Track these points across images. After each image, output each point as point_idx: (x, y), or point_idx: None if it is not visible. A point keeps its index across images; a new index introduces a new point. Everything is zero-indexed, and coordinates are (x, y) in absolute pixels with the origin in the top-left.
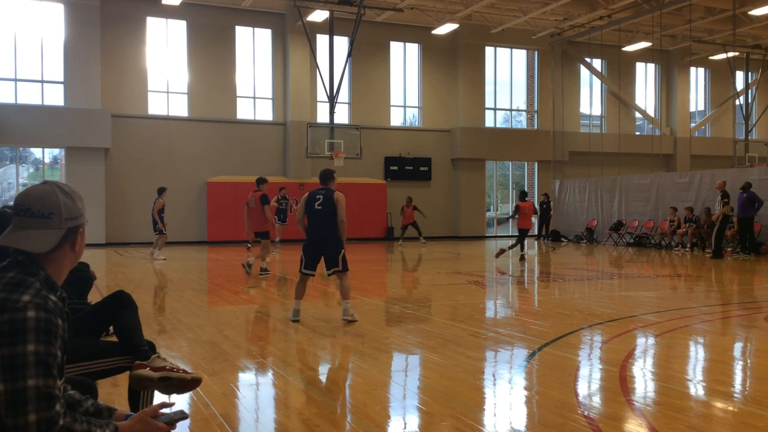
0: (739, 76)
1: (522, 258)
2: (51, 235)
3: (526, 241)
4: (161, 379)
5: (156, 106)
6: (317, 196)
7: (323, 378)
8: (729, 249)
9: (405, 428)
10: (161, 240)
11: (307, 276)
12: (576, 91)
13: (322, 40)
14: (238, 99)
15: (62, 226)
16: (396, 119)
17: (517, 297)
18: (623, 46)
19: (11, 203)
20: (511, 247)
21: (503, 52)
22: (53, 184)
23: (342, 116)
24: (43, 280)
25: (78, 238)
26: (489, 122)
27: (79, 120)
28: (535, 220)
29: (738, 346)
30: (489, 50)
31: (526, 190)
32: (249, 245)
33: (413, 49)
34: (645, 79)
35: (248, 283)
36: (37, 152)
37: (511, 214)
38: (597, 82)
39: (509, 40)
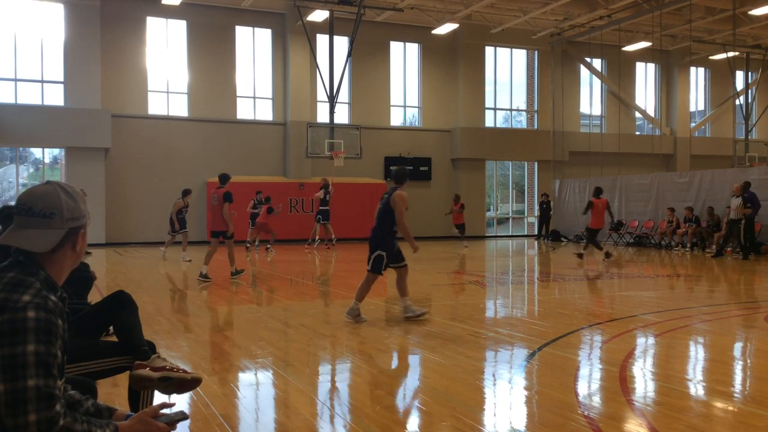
0: (739, 76)
1: (607, 255)
2: (52, 234)
3: (596, 240)
4: (161, 379)
5: (156, 106)
6: (384, 195)
7: (323, 378)
8: (729, 249)
9: (405, 428)
10: (171, 240)
11: (376, 276)
12: (576, 91)
13: (322, 40)
14: (238, 99)
15: (63, 226)
16: (396, 119)
17: (517, 297)
18: (623, 46)
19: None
20: (585, 248)
21: (503, 52)
22: (55, 184)
23: (342, 116)
24: (43, 280)
25: (79, 238)
26: (489, 122)
27: (79, 120)
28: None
29: (738, 346)
30: (489, 50)
31: (600, 187)
32: (248, 245)
33: (413, 49)
34: (645, 79)
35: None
36: (37, 152)
37: (583, 211)
38: (597, 82)
39: (509, 40)
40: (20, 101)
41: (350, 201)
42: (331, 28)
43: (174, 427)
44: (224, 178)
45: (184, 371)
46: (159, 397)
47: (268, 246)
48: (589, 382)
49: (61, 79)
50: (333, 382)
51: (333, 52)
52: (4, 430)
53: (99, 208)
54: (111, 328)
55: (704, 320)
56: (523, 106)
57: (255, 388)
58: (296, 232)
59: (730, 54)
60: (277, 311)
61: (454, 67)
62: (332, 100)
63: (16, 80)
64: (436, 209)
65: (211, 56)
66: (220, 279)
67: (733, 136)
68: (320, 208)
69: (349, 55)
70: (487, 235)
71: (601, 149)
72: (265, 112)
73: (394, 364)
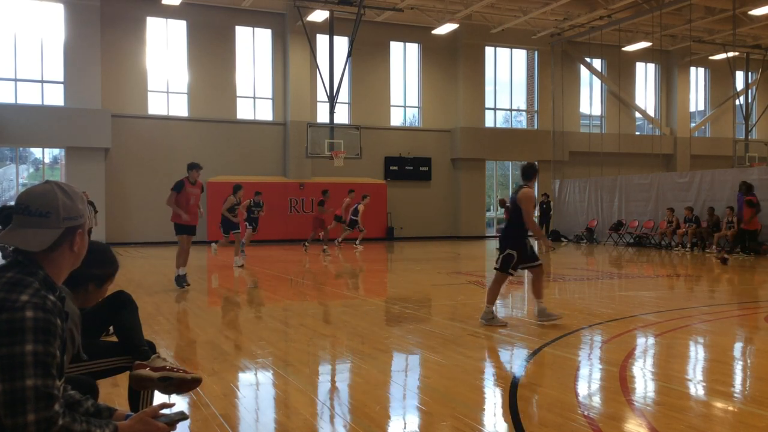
0: (739, 76)
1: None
2: (47, 234)
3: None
4: (161, 379)
5: (156, 106)
6: (512, 194)
7: (323, 378)
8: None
9: (405, 428)
10: (239, 238)
11: (504, 276)
12: (576, 91)
13: (322, 40)
14: (238, 99)
15: (60, 226)
16: (396, 119)
17: (517, 297)
18: (623, 46)
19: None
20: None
21: (503, 52)
22: (54, 183)
23: (342, 116)
24: (42, 280)
25: (77, 238)
26: (489, 122)
27: (79, 120)
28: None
29: (738, 346)
30: (489, 50)
31: (751, 183)
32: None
33: (413, 49)
34: (645, 79)
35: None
36: (37, 152)
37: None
38: (597, 82)
39: (509, 40)
40: (20, 101)
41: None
42: (331, 28)
43: (174, 427)
44: (190, 167)
45: (185, 371)
46: (159, 397)
47: (325, 248)
48: (589, 382)
49: (61, 79)
50: (333, 382)
51: (333, 52)
52: (3, 430)
53: (99, 208)
54: (111, 328)
55: (704, 320)
56: (523, 106)
57: (255, 388)
58: (296, 233)
59: (730, 54)
60: (277, 311)
61: (454, 67)
62: (332, 100)
63: (16, 80)
64: (436, 209)
65: (211, 56)
66: (220, 279)
67: (733, 136)
68: (351, 217)
69: (349, 55)
70: (487, 235)
71: (601, 149)
72: (265, 112)
73: (394, 364)
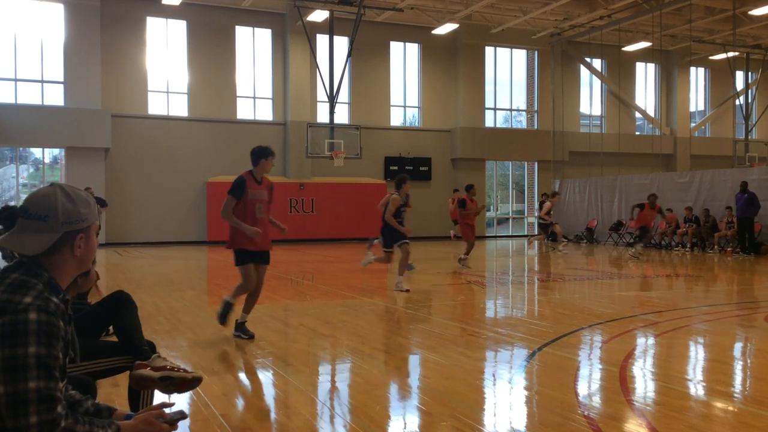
0: (739, 76)
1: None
2: (45, 238)
3: None
4: (162, 378)
5: (156, 106)
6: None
7: (323, 378)
8: (729, 249)
9: (405, 428)
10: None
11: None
12: (576, 91)
13: (322, 40)
14: (238, 99)
15: (58, 230)
16: (396, 119)
17: (517, 297)
18: (623, 46)
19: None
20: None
21: (503, 52)
22: (57, 186)
23: (342, 116)
24: (46, 282)
25: (78, 242)
26: (489, 122)
27: (79, 120)
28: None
29: (738, 346)
30: (489, 50)
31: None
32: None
33: (413, 49)
34: (645, 79)
35: None
36: (37, 152)
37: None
38: (597, 82)
39: (509, 40)
40: (20, 101)
41: (350, 201)
42: (331, 28)
43: (175, 427)
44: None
45: (185, 371)
46: (159, 397)
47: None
48: (589, 382)
49: (61, 79)
50: (333, 382)
51: (333, 52)
52: None
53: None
54: (111, 328)
55: (704, 320)
56: (523, 106)
57: (255, 388)
58: (297, 233)
59: (730, 54)
60: (277, 311)
61: (454, 67)
62: (332, 100)
63: (16, 80)
64: (436, 209)
65: (211, 56)
66: (220, 279)
67: (733, 136)
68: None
69: (349, 55)
70: (487, 235)
71: (601, 149)
72: (265, 112)
73: (394, 364)
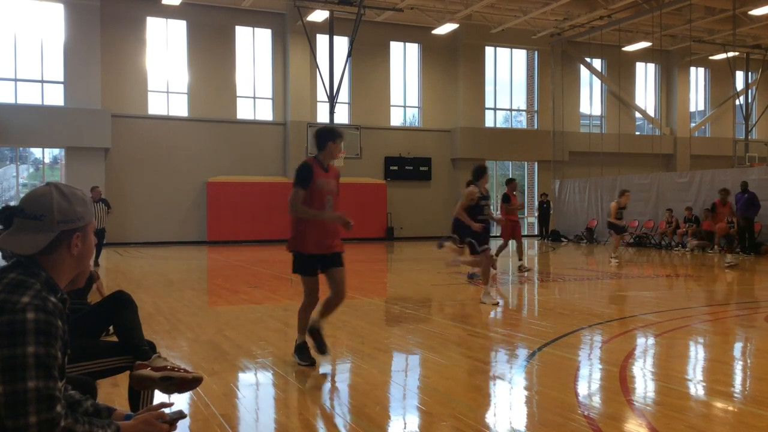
0: (739, 76)
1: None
2: (40, 237)
3: None
4: (162, 378)
5: (156, 106)
6: None
7: (323, 378)
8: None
9: (405, 428)
10: (618, 240)
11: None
12: (576, 91)
13: (322, 40)
14: (238, 99)
15: (54, 229)
16: (396, 119)
17: (517, 297)
18: (623, 46)
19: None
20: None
21: (503, 52)
22: (53, 185)
23: (342, 116)
24: (44, 282)
25: (75, 241)
26: (489, 122)
27: (79, 120)
28: None
29: (738, 346)
30: (489, 50)
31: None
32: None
33: (413, 49)
34: (645, 79)
35: None
36: (37, 152)
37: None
38: (597, 82)
39: (509, 40)
40: (20, 101)
41: (350, 201)
42: (331, 28)
43: (174, 427)
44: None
45: (185, 371)
46: (159, 397)
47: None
48: (589, 382)
49: (61, 79)
50: (333, 382)
51: (333, 52)
52: None
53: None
54: (111, 328)
55: (704, 320)
56: (523, 106)
57: (255, 388)
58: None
59: (730, 54)
60: (277, 311)
61: (454, 67)
62: (332, 100)
63: (16, 80)
64: (436, 209)
65: (211, 56)
66: (219, 279)
67: (733, 136)
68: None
69: (349, 55)
70: None
71: (601, 149)
72: (265, 112)
73: (394, 364)
